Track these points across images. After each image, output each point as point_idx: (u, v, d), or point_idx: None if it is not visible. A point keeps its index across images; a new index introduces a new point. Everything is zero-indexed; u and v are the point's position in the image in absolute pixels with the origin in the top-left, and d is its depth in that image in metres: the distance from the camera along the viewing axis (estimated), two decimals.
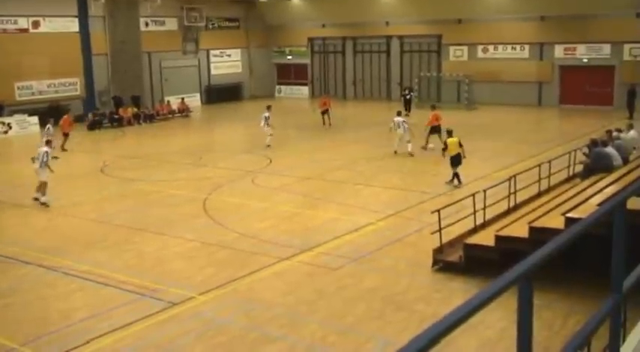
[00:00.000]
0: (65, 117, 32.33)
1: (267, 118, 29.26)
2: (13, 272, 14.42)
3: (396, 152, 26.40)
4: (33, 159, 21.31)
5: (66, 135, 31.04)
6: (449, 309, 2.38)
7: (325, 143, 30.57)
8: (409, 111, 39.17)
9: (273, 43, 54.19)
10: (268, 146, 28.78)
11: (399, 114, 27.88)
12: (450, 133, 21.73)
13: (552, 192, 17.07)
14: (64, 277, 13.99)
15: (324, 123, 35.58)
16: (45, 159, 20.67)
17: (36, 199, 20.60)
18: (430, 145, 27.05)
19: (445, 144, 21.65)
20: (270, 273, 13.89)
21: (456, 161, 21.08)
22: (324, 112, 35.57)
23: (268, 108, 30.05)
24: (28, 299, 12.93)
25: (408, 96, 41.01)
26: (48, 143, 21.94)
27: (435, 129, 27.17)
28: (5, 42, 37.40)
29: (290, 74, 54.02)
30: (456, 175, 21.11)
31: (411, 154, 26.04)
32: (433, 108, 29.20)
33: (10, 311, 12.35)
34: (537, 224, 12.32)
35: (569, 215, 11.62)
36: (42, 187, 20.58)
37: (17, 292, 13.28)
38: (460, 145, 21.05)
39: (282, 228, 17.19)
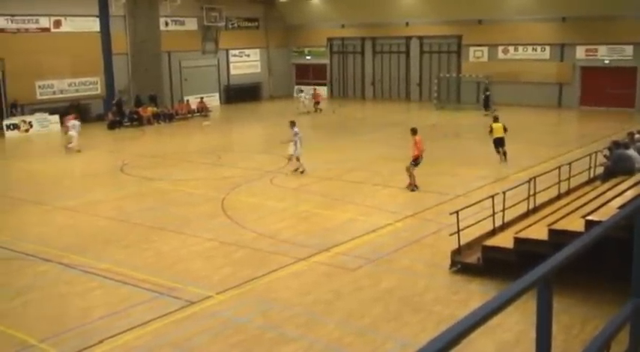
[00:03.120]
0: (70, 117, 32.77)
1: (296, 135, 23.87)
2: (33, 270, 14.53)
3: None
4: None
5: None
6: (466, 311, 2.37)
7: (343, 143, 30.55)
8: (488, 109, 39.31)
9: (293, 43, 54.26)
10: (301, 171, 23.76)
11: None
12: (496, 119, 25.14)
13: (572, 195, 16.94)
14: (84, 275, 14.08)
15: (315, 111, 42.85)
16: None
17: None
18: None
19: (490, 127, 24.79)
20: (287, 273, 13.90)
21: (499, 143, 24.45)
22: (317, 103, 43.31)
23: (293, 123, 24.61)
24: (47, 296, 13.03)
25: (488, 93, 41.26)
26: None
27: (417, 161, 21.15)
28: (27, 41, 37.73)
29: (309, 74, 54.04)
30: (504, 153, 24.49)
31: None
32: (415, 132, 21.25)
33: (29, 308, 12.44)
34: (557, 226, 12.23)
35: (589, 218, 11.53)
36: None
37: (37, 289, 13.38)
38: (505, 130, 24.40)
39: (300, 228, 17.19)
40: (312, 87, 47.83)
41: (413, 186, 20.85)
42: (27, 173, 26.05)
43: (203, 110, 43.43)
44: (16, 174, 26.11)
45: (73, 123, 30.91)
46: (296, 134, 23.70)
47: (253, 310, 12.09)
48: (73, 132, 30.47)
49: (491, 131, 24.77)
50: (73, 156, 29.61)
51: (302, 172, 23.50)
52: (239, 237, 16.45)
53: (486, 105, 40.49)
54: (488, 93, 41.39)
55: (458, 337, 2.29)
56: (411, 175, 20.93)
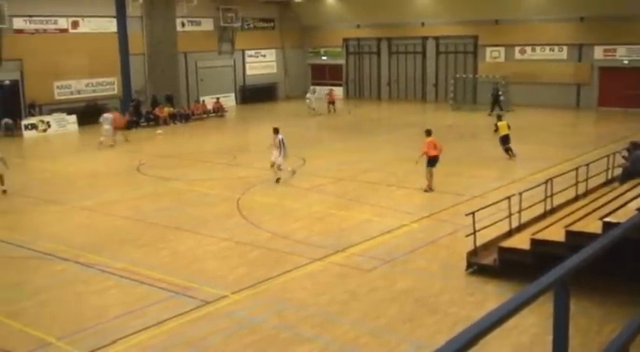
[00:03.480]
0: (116, 113, 34.58)
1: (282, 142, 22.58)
2: (51, 269, 14.63)
3: None
4: None
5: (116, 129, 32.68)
6: (482, 313, 2.35)
7: (358, 144, 30.52)
8: (501, 109, 39.16)
9: (308, 43, 54.27)
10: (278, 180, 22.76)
11: None
12: (499, 117, 26.80)
13: (590, 196, 16.83)
14: (100, 274, 14.16)
15: (329, 112, 42.26)
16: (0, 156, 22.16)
17: (4, 191, 21.99)
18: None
19: (496, 126, 26.08)
20: (302, 274, 13.90)
21: (505, 140, 25.48)
22: (331, 103, 42.77)
23: (277, 130, 23.14)
24: (64, 295, 13.11)
25: (499, 93, 41.14)
26: None
27: (435, 161, 21.01)
28: (45, 42, 38.00)
29: (324, 75, 54.03)
30: (509, 150, 25.37)
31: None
32: (429, 134, 21.34)
33: (46, 307, 12.53)
34: (574, 228, 12.16)
35: (606, 219, 11.46)
36: (1, 178, 22.11)
37: (54, 288, 13.47)
38: (509, 127, 25.53)
39: (315, 228, 17.19)
40: (327, 87, 47.64)
41: (427, 188, 20.75)
42: (45, 173, 26.22)
43: (219, 110, 43.53)
44: (34, 174, 26.29)
45: (105, 116, 32.34)
46: (280, 141, 22.28)
47: (268, 310, 12.10)
48: (106, 126, 31.82)
49: (496, 129, 26.06)
50: (94, 154, 29.80)
51: (277, 180, 22.34)
52: (254, 237, 16.47)
53: (496, 104, 40.13)
54: (500, 93, 41.34)
55: (474, 339, 2.27)
56: (427, 177, 20.83)
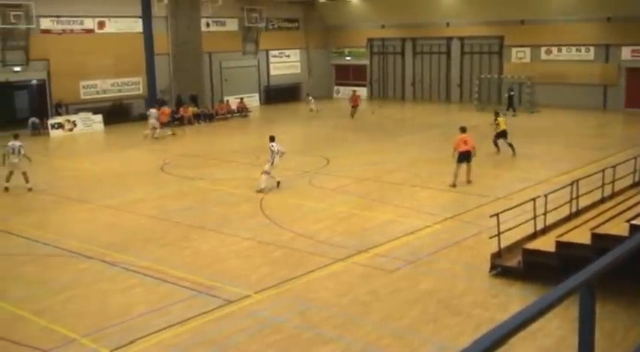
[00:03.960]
0: (165, 108, 36.43)
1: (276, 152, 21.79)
2: (76, 267, 14.77)
3: None
4: (6, 156, 22.73)
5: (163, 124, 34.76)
6: (506, 315, 2.34)
7: (382, 144, 30.46)
8: (514, 111, 39.65)
9: (332, 43, 54.28)
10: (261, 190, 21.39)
11: None
12: (497, 114, 27.53)
13: (616, 198, 16.63)
14: (124, 272, 14.26)
15: (351, 116, 40.23)
16: (22, 152, 22.61)
17: (30, 189, 22.38)
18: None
19: (496, 121, 26.91)
20: (325, 274, 13.90)
21: (503, 135, 26.55)
22: (355, 106, 40.55)
23: (272, 138, 22.39)
24: (89, 292, 13.23)
25: (512, 93, 41.29)
26: (16, 137, 23.25)
27: (464, 157, 21.68)
28: (72, 42, 38.38)
29: (348, 75, 54.00)
30: (510, 145, 26.29)
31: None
32: (463, 131, 22.36)
33: (72, 304, 12.65)
34: (600, 230, 12.04)
35: (633, 222, 11.34)
36: (26, 176, 22.40)
37: (79, 285, 13.60)
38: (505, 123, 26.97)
39: (338, 228, 17.18)
40: (351, 88, 47.45)
41: (452, 185, 21.24)
42: (70, 171, 26.47)
43: (243, 110, 43.66)
44: (61, 173, 26.54)
45: (150, 111, 34.61)
46: (275, 150, 21.60)
47: (291, 310, 12.11)
48: (152, 121, 33.77)
49: (497, 125, 26.94)
50: (119, 153, 30.07)
51: (260, 191, 21.12)
52: (277, 237, 16.50)
53: (510, 105, 40.38)
54: (512, 93, 41.32)
55: (499, 341, 2.26)
56: (455, 173, 21.35)
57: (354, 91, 43.58)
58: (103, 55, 39.60)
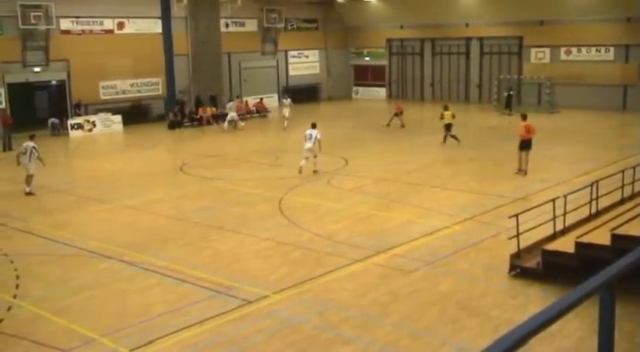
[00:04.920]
0: (237, 101, 40.60)
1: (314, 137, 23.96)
2: (96, 266, 14.87)
3: None
4: (19, 155, 22.57)
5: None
6: (525, 316, 2.34)
7: (402, 145, 30.42)
8: (510, 110, 40.07)
9: (351, 44, 54.27)
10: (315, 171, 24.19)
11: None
12: (446, 107, 29.65)
13: (636, 199, 16.51)
14: (144, 272, 14.34)
15: (388, 125, 36.42)
16: (36, 154, 22.33)
17: (28, 193, 22.12)
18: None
19: (442, 114, 29.52)
20: (344, 274, 13.90)
21: (448, 127, 29.34)
22: (397, 115, 36.67)
23: (314, 126, 24.61)
24: (108, 292, 13.31)
25: (511, 93, 41.94)
26: (32, 138, 23.04)
27: (525, 144, 22.91)
28: (92, 42, 38.66)
29: (367, 75, 53.97)
30: (454, 136, 29.05)
31: None
32: (524, 118, 23.58)
33: (91, 304, 12.73)
34: (620, 231, 11.95)
35: None
36: (29, 179, 22.15)
37: (99, 285, 13.68)
38: (453, 117, 29.37)
39: (357, 229, 17.18)
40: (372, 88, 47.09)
41: (518, 170, 22.70)
42: (90, 172, 26.65)
43: (262, 110, 43.75)
44: (80, 173, 26.74)
45: (230, 104, 38.12)
46: (307, 135, 24.07)
47: (310, 310, 12.12)
48: (232, 113, 37.21)
49: (442, 117, 29.56)
50: (138, 153, 30.25)
51: (300, 170, 23.65)
52: (296, 238, 16.52)
53: (508, 105, 41.03)
54: (511, 92, 41.82)
55: (518, 342, 2.25)
56: (519, 160, 22.78)
57: (396, 103, 40.35)
58: (123, 55, 39.85)
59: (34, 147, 22.38)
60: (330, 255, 15.08)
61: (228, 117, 37.48)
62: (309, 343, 10.70)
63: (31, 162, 22.23)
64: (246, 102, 44.60)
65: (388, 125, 36.32)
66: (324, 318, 11.71)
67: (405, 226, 17.29)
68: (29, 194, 22.02)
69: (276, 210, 19.27)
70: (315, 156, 23.99)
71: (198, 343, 10.82)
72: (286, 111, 36.68)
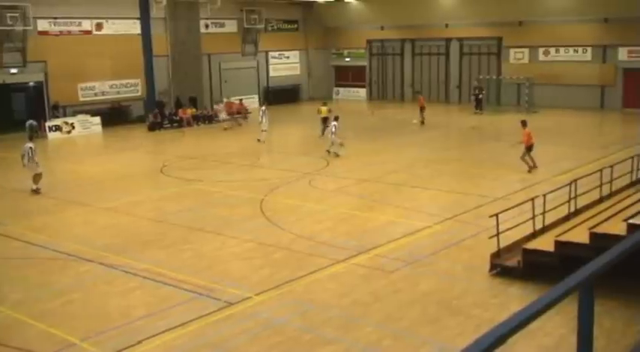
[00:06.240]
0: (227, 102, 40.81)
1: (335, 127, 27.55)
2: (75, 270, 14.77)
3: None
4: (23, 156, 22.58)
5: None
6: (506, 315, 2.35)
7: (383, 146, 30.47)
8: (481, 110, 40.84)
9: (332, 45, 54.28)
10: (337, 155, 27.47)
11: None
12: (324, 104, 33.32)
13: (614, 198, 16.67)
14: (124, 275, 14.26)
15: (423, 122, 36.64)
16: (31, 155, 22.26)
17: (35, 190, 22.22)
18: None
19: (319, 110, 32.89)
20: (326, 275, 13.91)
21: (325, 121, 31.81)
22: (422, 110, 36.77)
23: (337, 118, 28.07)
24: (89, 296, 13.23)
25: (479, 96, 42.31)
26: (31, 139, 23.17)
27: (529, 149, 23.73)
28: (70, 44, 38.33)
29: (348, 76, 54.02)
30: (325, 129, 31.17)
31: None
32: (524, 124, 24.45)
33: (71, 307, 12.64)
34: (598, 230, 12.07)
35: (631, 221, 11.36)
36: (37, 178, 22.29)
37: (79, 289, 13.59)
38: (329, 111, 32.04)
39: (339, 230, 17.19)
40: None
41: (531, 168, 23.43)
42: (70, 174, 26.47)
43: (243, 112, 43.62)
44: (59, 175, 26.53)
45: (219, 106, 39.79)
46: (331, 126, 27.75)
47: (292, 311, 12.12)
48: (223, 115, 38.64)
49: (319, 112, 32.70)
50: (117, 155, 30.08)
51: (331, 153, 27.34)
52: (277, 239, 16.51)
53: (478, 104, 41.88)
54: (484, 92, 42.47)
55: (499, 340, 2.27)
56: (525, 161, 23.52)
57: (418, 94, 40.52)
58: (101, 56, 39.50)
59: (30, 148, 22.45)
60: (312, 256, 15.08)
61: (222, 117, 38.93)
62: (291, 344, 10.69)
63: (30, 162, 22.41)
64: (240, 100, 44.24)
65: (423, 123, 36.47)
66: (307, 319, 11.71)
67: (387, 226, 17.33)
68: (35, 191, 22.22)
69: (257, 212, 19.24)
70: (334, 144, 27.37)
71: (179, 346, 10.78)
72: (265, 123, 32.49)
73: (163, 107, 40.17)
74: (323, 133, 31.50)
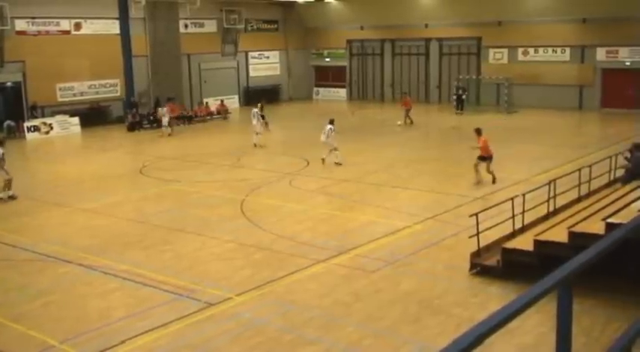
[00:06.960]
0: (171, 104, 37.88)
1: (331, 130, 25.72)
2: (54, 271, 14.66)
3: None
4: None
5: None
6: (486, 314, 2.36)
7: (363, 146, 30.50)
8: (462, 110, 41.19)
9: (312, 45, 54.28)
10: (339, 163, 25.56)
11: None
12: (261, 103, 33.72)
13: (593, 197, 16.82)
14: (103, 276, 14.17)
15: (408, 122, 36.67)
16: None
17: (11, 197, 21.59)
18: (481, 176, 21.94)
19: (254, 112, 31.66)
20: (306, 275, 13.91)
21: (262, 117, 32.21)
22: (408, 110, 36.82)
23: (332, 122, 26.16)
24: (67, 297, 13.13)
25: (463, 96, 42.57)
26: (2, 143, 22.58)
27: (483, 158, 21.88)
28: (48, 43, 38.01)
29: (328, 76, 54.04)
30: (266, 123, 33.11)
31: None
32: (479, 133, 22.31)
33: (50, 309, 12.54)
34: (577, 229, 12.16)
35: (609, 220, 11.45)
36: (8, 184, 21.62)
37: (57, 290, 13.49)
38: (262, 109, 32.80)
39: (319, 230, 17.20)
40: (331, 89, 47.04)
41: (479, 181, 21.58)
42: (48, 175, 26.27)
43: (223, 112, 43.55)
44: (38, 176, 26.33)
45: (164, 109, 36.38)
46: (327, 129, 25.83)
47: (273, 312, 12.11)
48: (166, 118, 35.56)
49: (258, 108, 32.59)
50: (97, 156, 29.89)
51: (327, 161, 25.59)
52: (258, 239, 16.48)
53: (459, 103, 42.27)
54: (466, 94, 42.88)
55: (477, 339, 2.28)
56: (476, 171, 21.69)
57: (404, 95, 40.03)
58: (80, 56, 39.22)
59: (2, 153, 21.79)
60: (293, 256, 15.07)
61: (164, 122, 35.66)
62: (272, 345, 10.68)
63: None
64: (207, 103, 44.32)
65: (412, 122, 36.52)
66: (288, 319, 11.71)
67: (367, 226, 17.36)
68: (10, 198, 21.55)
69: (237, 212, 19.21)
70: (332, 150, 25.54)
71: (160, 347, 10.73)
72: (258, 125, 31.44)
73: (137, 108, 39.89)
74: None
